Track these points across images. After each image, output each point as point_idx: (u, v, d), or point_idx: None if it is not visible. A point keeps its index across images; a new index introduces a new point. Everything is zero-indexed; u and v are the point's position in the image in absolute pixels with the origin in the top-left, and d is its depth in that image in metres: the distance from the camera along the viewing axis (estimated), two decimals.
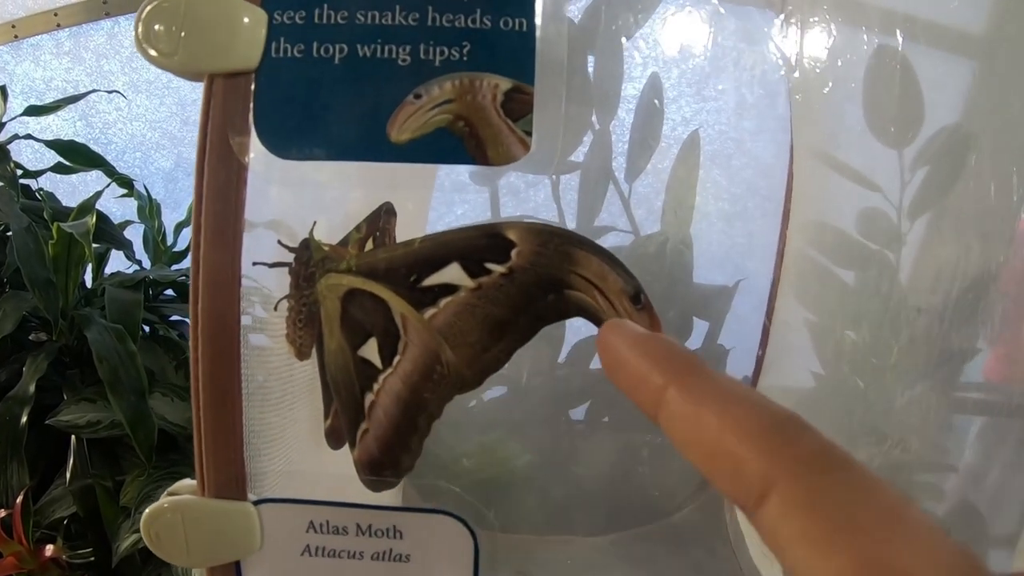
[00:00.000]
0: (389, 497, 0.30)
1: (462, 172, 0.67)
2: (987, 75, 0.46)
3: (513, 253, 0.26)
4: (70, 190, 0.90)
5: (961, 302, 0.45)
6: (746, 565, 0.59)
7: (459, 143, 0.25)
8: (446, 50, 0.25)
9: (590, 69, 0.66)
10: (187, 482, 0.29)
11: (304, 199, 0.29)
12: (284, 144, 0.26)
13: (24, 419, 0.69)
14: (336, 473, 0.29)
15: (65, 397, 0.72)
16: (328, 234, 0.28)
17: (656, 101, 0.67)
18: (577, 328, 0.70)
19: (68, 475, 0.70)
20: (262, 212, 0.27)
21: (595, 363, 0.68)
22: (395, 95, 0.25)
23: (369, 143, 0.26)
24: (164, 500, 0.28)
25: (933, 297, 0.47)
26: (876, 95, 0.50)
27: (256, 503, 0.29)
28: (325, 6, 0.25)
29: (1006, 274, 0.43)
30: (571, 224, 0.69)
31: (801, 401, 0.63)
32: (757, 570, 0.57)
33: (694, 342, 0.69)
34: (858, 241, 0.55)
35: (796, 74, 0.59)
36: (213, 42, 0.26)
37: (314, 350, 0.28)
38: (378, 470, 0.28)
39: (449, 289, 0.26)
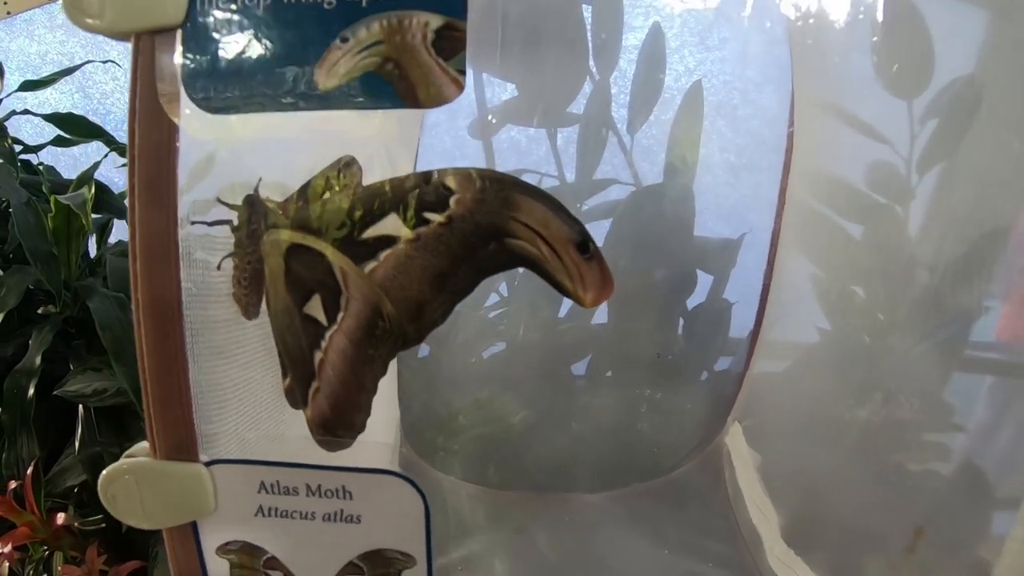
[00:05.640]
0: (385, 460, 0.30)
1: (461, 128, 0.67)
2: (1001, 25, 0.45)
3: (452, 201, 0.25)
4: (72, 162, 0.90)
5: (971, 258, 0.44)
6: (743, 521, 0.59)
7: (389, 86, 0.25)
8: None
9: (588, 17, 0.65)
10: (144, 444, 0.29)
11: (249, 156, 0.28)
12: (212, 98, 0.25)
13: (31, 391, 0.70)
14: (294, 434, 0.29)
15: (71, 367, 0.72)
16: (278, 191, 0.27)
17: (658, 51, 0.66)
18: None
19: (77, 444, 0.70)
20: (198, 170, 0.27)
21: (596, 318, 0.68)
22: (322, 40, 0.25)
23: (298, 91, 0.25)
24: (121, 462, 0.28)
25: (942, 252, 0.47)
26: (885, 44, 0.49)
27: (208, 464, 0.29)
28: None
29: (1018, 230, 0.42)
30: (570, 177, 0.69)
31: (806, 356, 0.63)
32: (753, 526, 0.57)
33: (699, 296, 0.70)
34: (866, 194, 0.55)
35: (802, 22, 0.58)
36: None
37: (264, 309, 0.28)
38: (331, 429, 0.28)
39: (388, 241, 0.26)
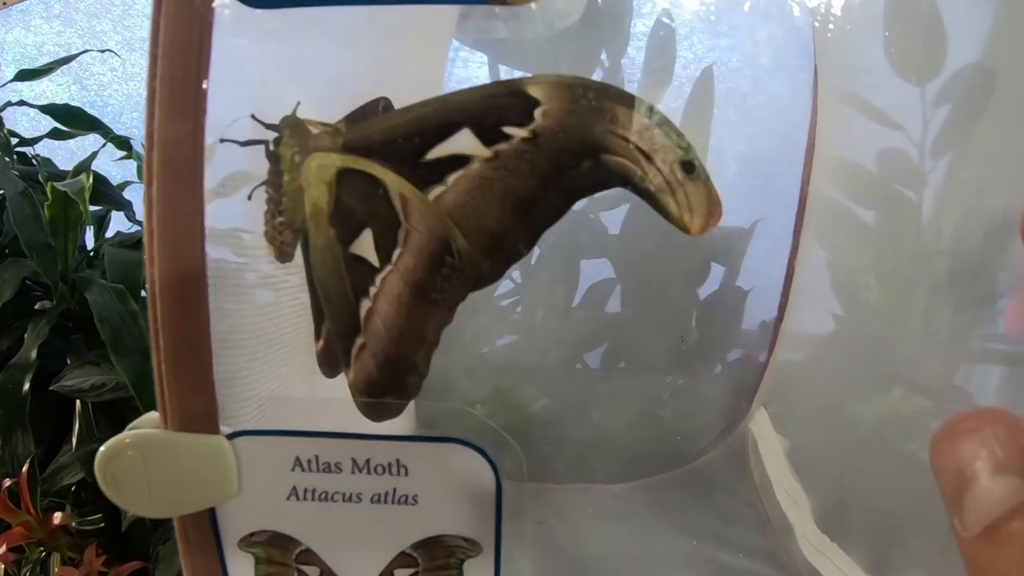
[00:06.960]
0: (397, 430, 0.24)
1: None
2: (1013, 12, 0.42)
3: (537, 113, 0.20)
4: (68, 156, 0.85)
5: (985, 246, 0.42)
6: (772, 511, 0.55)
7: None
8: None
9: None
10: (153, 415, 0.23)
11: (284, 65, 0.22)
12: None
13: (27, 386, 0.66)
14: (332, 398, 0.23)
15: (69, 362, 0.69)
16: (315, 111, 0.22)
17: (667, 38, 0.62)
18: (590, 275, 0.66)
19: (74, 441, 0.67)
20: (232, 81, 0.21)
21: (611, 306, 0.65)
22: None
23: None
24: (124, 434, 0.22)
25: (956, 240, 0.44)
26: (897, 31, 0.47)
27: (231, 436, 0.23)
28: None
29: None
30: None
31: (822, 345, 0.61)
32: (784, 515, 0.53)
33: (711, 285, 0.66)
34: (879, 181, 0.52)
35: (813, 8, 0.56)
36: None
37: (299, 250, 0.22)
38: (378, 393, 0.22)
39: (460, 161, 0.20)
